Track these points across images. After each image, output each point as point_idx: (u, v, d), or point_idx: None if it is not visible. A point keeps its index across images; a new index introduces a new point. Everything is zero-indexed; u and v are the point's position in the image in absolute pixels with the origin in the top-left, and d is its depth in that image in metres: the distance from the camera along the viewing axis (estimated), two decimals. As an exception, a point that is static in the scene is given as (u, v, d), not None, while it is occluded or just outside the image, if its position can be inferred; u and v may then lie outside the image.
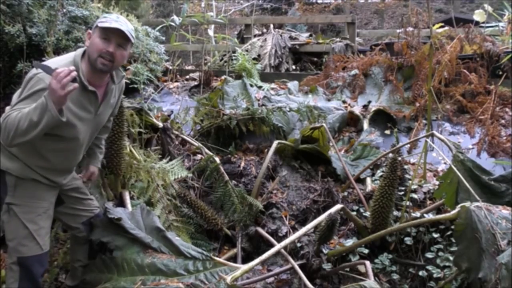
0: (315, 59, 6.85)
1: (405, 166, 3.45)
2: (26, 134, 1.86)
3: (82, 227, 2.41)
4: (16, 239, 2.10)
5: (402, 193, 3.13)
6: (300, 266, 2.60)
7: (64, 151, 2.14)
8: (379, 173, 3.46)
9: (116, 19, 2.06)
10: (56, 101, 1.81)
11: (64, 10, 4.12)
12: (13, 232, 2.10)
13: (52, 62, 2.05)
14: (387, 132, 4.28)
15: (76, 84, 1.84)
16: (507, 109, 4.27)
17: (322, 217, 2.47)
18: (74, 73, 1.82)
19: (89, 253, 2.47)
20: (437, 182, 3.20)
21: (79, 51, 2.13)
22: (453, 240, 2.66)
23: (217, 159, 3.31)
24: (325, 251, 2.75)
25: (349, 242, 2.81)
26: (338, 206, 2.56)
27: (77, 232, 2.42)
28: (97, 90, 2.13)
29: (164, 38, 5.46)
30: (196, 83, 5.34)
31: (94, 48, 2.05)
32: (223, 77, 4.96)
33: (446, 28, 5.15)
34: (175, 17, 4.88)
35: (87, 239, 2.43)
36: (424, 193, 3.19)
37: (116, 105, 2.42)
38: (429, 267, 2.67)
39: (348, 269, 2.70)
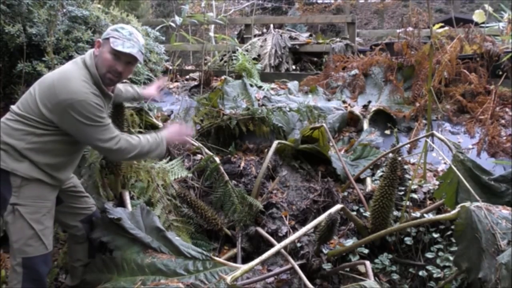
0: (315, 59, 6.86)
1: (405, 166, 3.44)
2: (141, 157, 2.38)
3: (81, 225, 2.42)
4: (21, 240, 2.10)
5: (402, 193, 3.13)
6: (300, 266, 2.60)
7: (77, 150, 2.26)
8: (379, 173, 3.46)
9: (129, 37, 2.11)
10: (170, 141, 2.38)
11: (64, 10, 4.12)
12: (18, 233, 2.10)
13: (71, 75, 2.07)
14: (387, 132, 4.28)
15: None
16: (507, 109, 4.27)
17: (322, 217, 2.47)
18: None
19: (90, 251, 2.48)
20: (437, 182, 3.20)
21: (89, 60, 2.13)
22: (453, 240, 2.66)
23: (217, 159, 3.31)
24: (325, 251, 2.75)
25: (349, 242, 2.81)
26: (338, 206, 2.56)
27: (75, 230, 2.43)
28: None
29: (164, 38, 5.46)
30: (196, 83, 5.34)
31: (104, 63, 2.10)
32: (223, 77, 4.96)
33: (446, 28, 5.15)
34: (176, 18, 4.88)
35: (86, 238, 2.44)
36: (424, 193, 3.19)
37: None
38: (429, 267, 2.67)
39: (348, 269, 2.70)
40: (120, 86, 2.65)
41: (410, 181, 3.09)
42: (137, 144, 2.19)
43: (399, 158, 3.00)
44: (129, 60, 2.12)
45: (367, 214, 2.97)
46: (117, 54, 2.08)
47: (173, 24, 4.93)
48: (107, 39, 2.10)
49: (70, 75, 2.09)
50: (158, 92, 2.94)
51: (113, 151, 2.13)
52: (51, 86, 2.05)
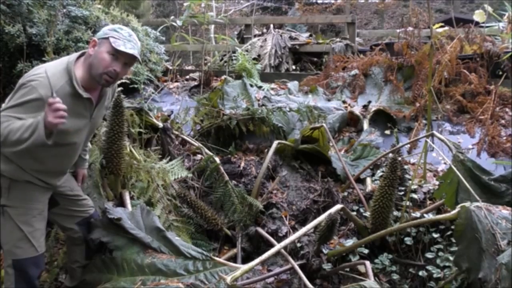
0: (315, 59, 6.85)
1: (405, 166, 3.44)
2: (14, 146, 1.86)
3: (77, 228, 2.39)
4: (11, 242, 2.08)
5: (402, 193, 3.13)
6: (300, 266, 2.60)
7: (60, 156, 2.13)
8: (379, 173, 3.46)
9: (129, 38, 2.04)
10: (48, 126, 1.81)
11: (64, 10, 4.12)
12: (7, 234, 2.09)
13: (46, 68, 2.02)
14: (387, 132, 4.28)
15: (63, 120, 1.83)
16: (507, 109, 4.27)
17: (322, 217, 2.47)
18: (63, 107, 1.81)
19: (87, 253, 2.46)
20: (437, 182, 3.19)
21: (73, 57, 2.08)
22: (453, 240, 2.66)
23: (217, 159, 3.31)
24: (325, 251, 2.75)
25: (349, 242, 2.81)
26: (338, 206, 2.56)
27: (72, 233, 2.41)
28: (92, 95, 2.11)
29: (164, 38, 5.46)
30: (196, 83, 5.35)
31: (101, 64, 2.01)
32: (223, 77, 4.97)
33: (446, 28, 5.15)
34: (177, 21, 4.91)
35: (83, 240, 2.42)
36: (424, 193, 3.19)
37: (109, 103, 2.42)
38: (429, 267, 2.67)
39: (348, 269, 2.70)
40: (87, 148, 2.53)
41: (410, 181, 3.09)
42: (8, 130, 1.85)
43: (399, 158, 3.00)
44: (127, 61, 2.06)
45: (367, 214, 2.97)
46: (116, 55, 2.01)
47: (175, 24, 4.94)
48: (106, 38, 2.02)
49: (45, 66, 2.05)
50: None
51: None
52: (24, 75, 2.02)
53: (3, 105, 1.99)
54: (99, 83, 2.06)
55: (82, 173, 2.53)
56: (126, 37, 2.04)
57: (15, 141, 1.83)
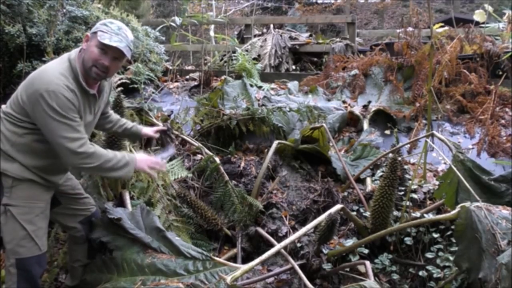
0: (315, 59, 6.86)
1: (405, 166, 3.44)
2: (103, 171, 2.16)
3: (80, 226, 2.40)
4: (14, 241, 2.08)
5: (402, 193, 3.13)
6: (300, 266, 2.60)
7: None
8: (379, 173, 3.46)
9: (117, 31, 2.06)
10: (139, 167, 2.21)
11: (64, 10, 4.13)
12: (10, 233, 2.09)
13: (50, 68, 2.05)
14: (387, 132, 4.28)
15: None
16: (507, 109, 4.27)
17: (322, 217, 2.47)
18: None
19: (89, 252, 2.47)
20: (437, 182, 3.19)
21: (74, 54, 2.11)
22: (453, 240, 2.66)
23: (217, 159, 3.31)
24: (325, 251, 2.75)
25: (349, 242, 2.81)
26: (338, 206, 2.56)
27: (74, 231, 2.41)
28: (93, 90, 2.16)
29: (164, 38, 5.46)
30: (196, 83, 5.35)
31: (90, 57, 2.06)
32: (223, 77, 4.96)
33: (446, 28, 5.15)
34: (176, 18, 4.90)
35: (85, 239, 2.43)
36: (424, 193, 3.19)
37: (108, 97, 2.45)
38: (429, 267, 2.67)
39: (348, 269, 2.70)
40: (117, 116, 2.59)
41: (410, 181, 3.09)
42: (103, 155, 2.07)
43: (399, 158, 3.00)
44: (116, 55, 2.08)
45: (367, 214, 2.97)
46: (104, 48, 2.04)
47: (173, 24, 4.94)
48: (95, 33, 2.06)
49: (48, 67, 2.07)
50: (155, 133, 2.81)
51: (75, 154, 2.00)
52: (30, 77, 2.04)
53: (43, 126, 2.01)
54: (90, 76, 2.09)
55: (146, 130, 2.70)
56: (114, 30, 2.06)
57: (106, 168, 2.10)
